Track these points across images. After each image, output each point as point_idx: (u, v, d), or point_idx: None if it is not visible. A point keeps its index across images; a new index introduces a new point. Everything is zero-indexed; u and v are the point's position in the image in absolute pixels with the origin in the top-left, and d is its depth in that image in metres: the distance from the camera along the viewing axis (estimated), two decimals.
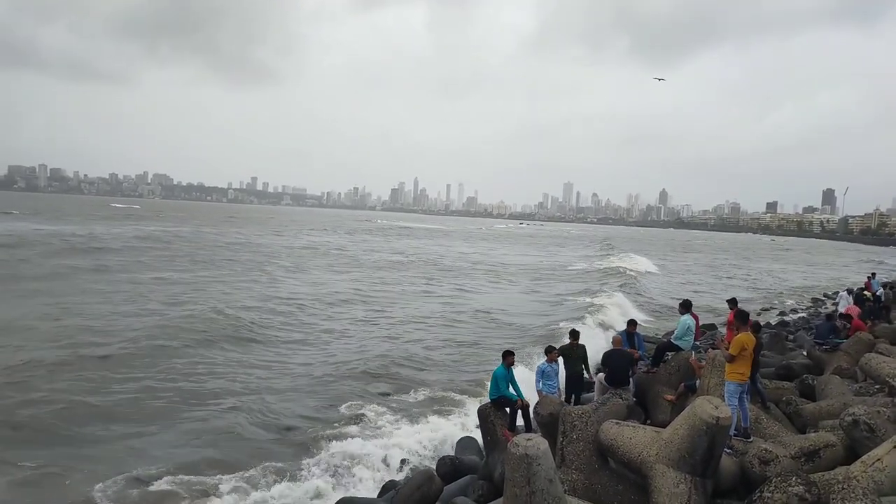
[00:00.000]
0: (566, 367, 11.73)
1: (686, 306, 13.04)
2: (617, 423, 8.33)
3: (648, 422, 10.77)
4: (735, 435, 8.80)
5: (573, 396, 11.65)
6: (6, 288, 28.61)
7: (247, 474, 11.09)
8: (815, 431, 9.39)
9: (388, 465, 11.95)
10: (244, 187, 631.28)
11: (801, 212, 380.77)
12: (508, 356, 10.93)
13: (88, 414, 13.70)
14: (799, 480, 6.70)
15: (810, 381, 12.60)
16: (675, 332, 12.81)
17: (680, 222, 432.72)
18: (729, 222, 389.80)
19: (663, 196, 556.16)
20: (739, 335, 9.13)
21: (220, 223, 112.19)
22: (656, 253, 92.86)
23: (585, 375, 12.05)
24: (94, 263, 39.57)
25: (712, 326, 26.42)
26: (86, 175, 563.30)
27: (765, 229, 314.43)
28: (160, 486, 10.60)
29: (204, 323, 22.59)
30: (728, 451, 8.21)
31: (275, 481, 10.92)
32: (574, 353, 11.84)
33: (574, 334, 12.19)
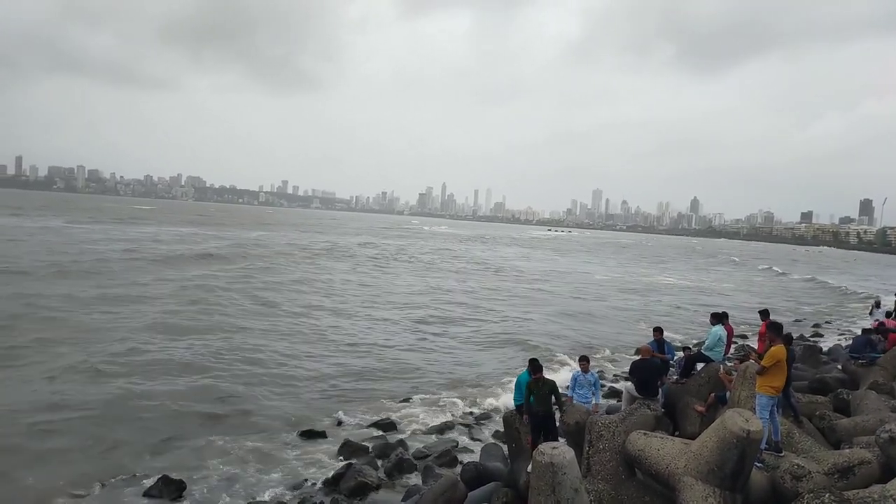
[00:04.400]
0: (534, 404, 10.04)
1: (718, 317, 12.84)
2: (645, 434, 8.22)
3: (677, 433, 10.60)
4: (766, 449, 8.62)
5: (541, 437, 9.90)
6: None
7: None
8: (849, 447, 9.15)
9: None
10: (275, 190, 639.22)
11: (836, 222, 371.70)
12: (536, 367, 10.77)
13: None
14: (832, 497, 6.53)
15: (845, 396, 12.29)
16: (706, 343, 12.61)
17: (711, 231, 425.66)
18: (762, 231, 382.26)
19: (695, 204, 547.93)
20: (773, 347, 8.95)
21: (284, 228, 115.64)
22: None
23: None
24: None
25: (742, 337, 25.97)
26: (122, 177, 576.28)
27: (799, 239, 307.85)
28: None
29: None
30: (759, 465, 8.05)
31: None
32: (540, 388, 10.11)
33: (535, 366, 10.37)
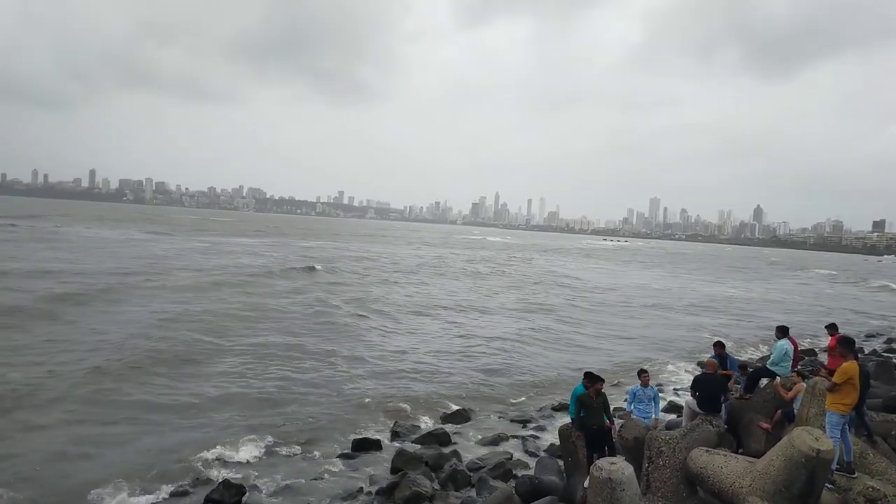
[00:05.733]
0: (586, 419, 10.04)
1: (783, 331, 12.36)
2: (707, 451, 7.97)
3: (741, 451, 10.25)
4: (837, 470, 8.23)
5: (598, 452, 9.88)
6: None
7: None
8: None
9: None
10: (331, 201, 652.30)
11: None
12: (592, 379, 10.62)
13: None
14: None
15: None
16: (772, 357, 12.14)
17: (776, 240, 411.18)
18: (830, 241, 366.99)
19: (758, 213, 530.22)
20: (845, 363, 8.55)
21: (362, 239, 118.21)
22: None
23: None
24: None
25: (811, 352, 24.90)
26: (187, 188, 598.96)
27: (871, 249, 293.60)
28: None
29: None
30: (829, 486, 7.69)
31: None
32: (593, 402, 10.13)
33: (591, 378, 10.27)
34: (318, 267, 50.59)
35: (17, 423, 13.34)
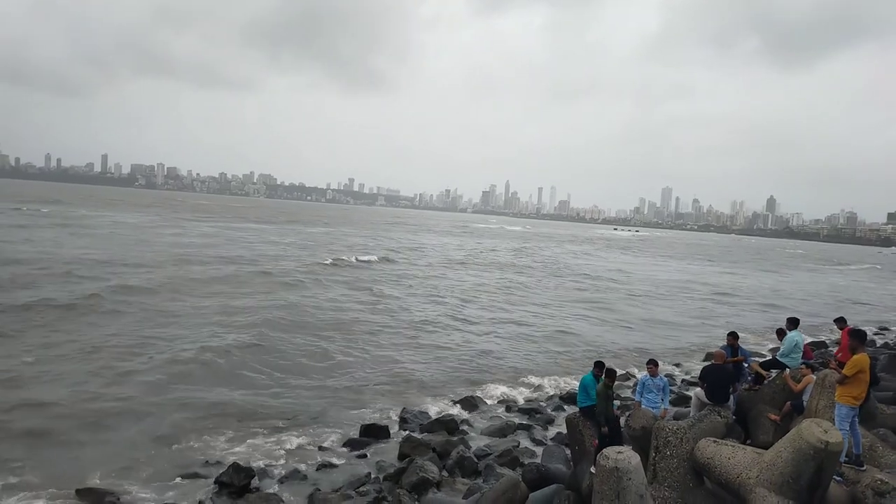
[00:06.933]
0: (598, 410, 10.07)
1: (794, 322, 12.28)
2: (715, 442, 7.96)
3: (749, 442, 10.22)
4: (846, 462, 8.20)
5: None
6: None
7: None
8: None
9: None
10: (341, 188, 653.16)
11: None
12: (602, 370, 10.61)
13: None
14: None
15: None
16: (782, 349, 12.06)
17: (789, 231, 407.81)
18: (844, 233, 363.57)
19: (771, 203, 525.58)
20: (856, 356, 8.49)
21: (387, 228, 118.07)
22: None
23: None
24: None
25: (822, 344, 24.75)
26: (198, 174, 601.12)
27: (885, 241, 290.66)
28: None
29: None
30: (838, 479, 7.66)
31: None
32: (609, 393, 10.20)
33: (609, 372, 10.30)
34: (375, 257, 51.06)
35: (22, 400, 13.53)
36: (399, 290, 35.12)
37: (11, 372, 15.45)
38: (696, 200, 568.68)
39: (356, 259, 48.72)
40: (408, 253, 62.29)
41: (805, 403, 10.10)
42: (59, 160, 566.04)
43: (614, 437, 9.90)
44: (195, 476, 11.05)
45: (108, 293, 25.53)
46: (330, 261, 45.60)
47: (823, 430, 6.80)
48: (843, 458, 7.89)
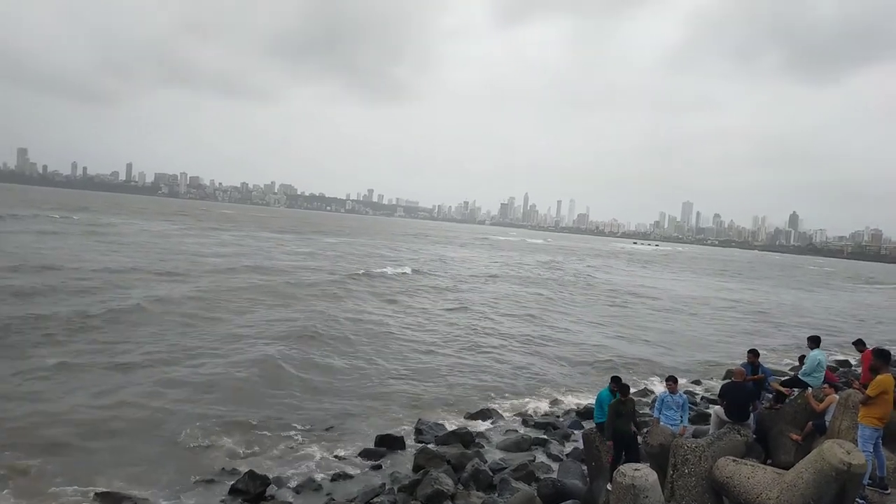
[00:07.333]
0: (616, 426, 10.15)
1: (815, 341, 12.09)
2: (734, 461, 7.84)
3: (769, 461, 10.06)
4: (870, 485, 8.03)
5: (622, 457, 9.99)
6: None
7: None
8: None
9: None
10: (360, 199, 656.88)
11: None
12: (618, 385, 10.53)
13: None
14: None
15: None
16: (804, 368, 11.87)
17: (812, 248, 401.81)
18: (868, 250, 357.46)
19: (793, 219, 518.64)
20: (880, 376, 8.33)
21: (410, 240, 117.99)
22: None
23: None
24: None
25: (846, 363, 24.31)
26: (220, 183, 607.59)
27: None
28: None
29: None
30: (861, 502, 7.51)
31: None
32: (626, 408, 10.31)
33: (623, 387, 10.47)
34: (408, 270, 51.39)
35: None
36: (429, 302, 35.27)
37: (42, 379, 15.74)
38: (717, 215, 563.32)
39: (389, 271, 48.82)
40: (438, 265, 62.58)
41: (827, 424, 9.92)
42: (84, 168, 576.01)
43: (631, 454, 9.81)
44: (211, 483, 11.12)
45: (147, 303, 25.70)
46: (362, 272, 45.83)
47: (846, 451, 6.67)
48: (866, 481, 7.73)
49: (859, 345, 13.53)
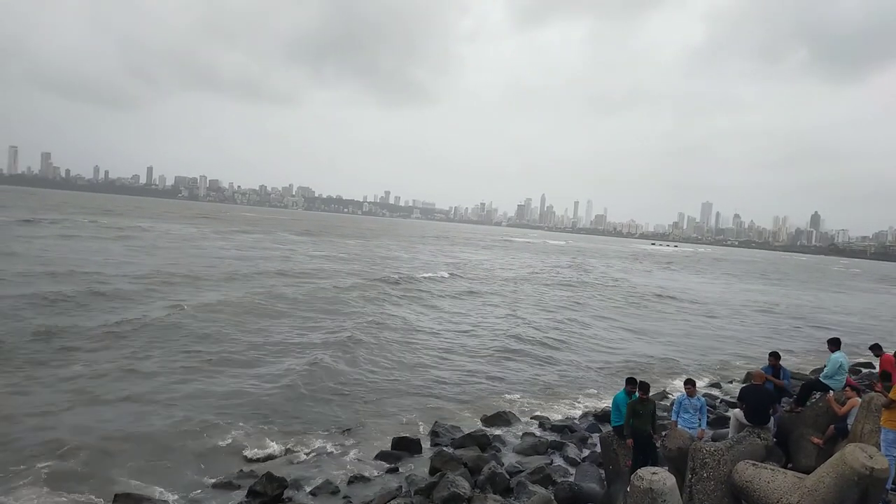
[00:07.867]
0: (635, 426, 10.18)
1: (836, 343, 11.91)
2: (754, 465, 7.75)
3: (790, 465, 9.93)
4: (892, 489, 7.89)
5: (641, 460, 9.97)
6: None
7: None
8: None
9: None
10: (377, 201, 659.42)
11: None
12: (634, 386, 10.47)
13: None
14: None
15: None
16: (825, 370, 11.71)
17: (834, 248, 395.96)
18: (892, 250, 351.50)
19: (815, 219, 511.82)
20: None
21: (433, 242, 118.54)
22: None
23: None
24: None
25: (869, 365, 23.92)
26: (239, 186, 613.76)
27: None
28: None
29: None
30: None
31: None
32: (644, 409, 10.32)
33: (643, 386, 10.54)
34: (445, 274, 51.66)
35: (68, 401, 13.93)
36: (459, 307, 35.30)
37: (68, 380, 16.01)
38: (737, 216, 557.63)
39: (422, 276, 48.86)
40: (469, 268, 62.83)
41: (849, 427, 9.77)
42: (106, 172, 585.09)
43: (649, 458, 9.73)
44: (229, 485, 11.19)
45: (178, 310, 25.78)
46: (396, 277, 45.93)
47: (868, 455, 6.56)
48: (889, 485, 7.61)
49: (875, 349, 13.32)
